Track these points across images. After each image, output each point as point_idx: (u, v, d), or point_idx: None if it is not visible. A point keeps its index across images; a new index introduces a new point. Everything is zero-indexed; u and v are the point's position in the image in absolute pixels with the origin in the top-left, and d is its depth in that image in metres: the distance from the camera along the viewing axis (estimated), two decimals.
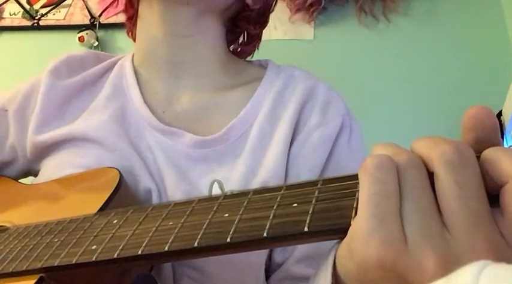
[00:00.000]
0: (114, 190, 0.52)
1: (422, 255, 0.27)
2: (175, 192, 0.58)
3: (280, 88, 0.66)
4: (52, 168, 0.63)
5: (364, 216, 0.29)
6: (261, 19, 0.74)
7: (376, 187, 0.30)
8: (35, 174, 0.69)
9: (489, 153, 0.29)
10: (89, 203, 0.51)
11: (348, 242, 0.31)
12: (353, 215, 0.31)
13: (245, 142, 0.62)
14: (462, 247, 0.27)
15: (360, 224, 0.29)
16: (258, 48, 0.78)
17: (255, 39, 0.76)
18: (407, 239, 0.28)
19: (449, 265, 0.26)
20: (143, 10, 0.68)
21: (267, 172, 0.59)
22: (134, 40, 0.75)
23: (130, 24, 0.75)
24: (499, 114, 1.43)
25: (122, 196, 0.52)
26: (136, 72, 0.69)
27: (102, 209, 0.49)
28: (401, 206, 0.29)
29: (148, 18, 0.67)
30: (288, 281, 0.59)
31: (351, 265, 0.31)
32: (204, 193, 0.58)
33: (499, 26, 1.68)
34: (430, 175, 0.30)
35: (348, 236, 0.31)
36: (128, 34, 0.77)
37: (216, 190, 0.58)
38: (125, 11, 0.74)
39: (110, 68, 0.72)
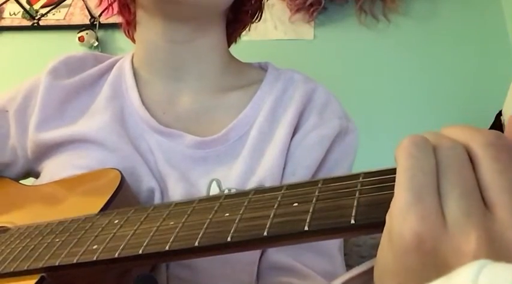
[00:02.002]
0: (115, 191, 0.52)
1: (463, 233, 0.26)
2: (175, 192, 0.58)
3: (280, 92, 0.67)
4: (54, 169, 0.63)
5: (400, 192, 0.29)
6: (258, 9, 0.75)
7: (411, 161, 0.29)
8: (35, 175, 0.69)
9: None
10: (90, 204, 0.51)
11: (387, 226, 0.29)
12: (353, 215, 0.32)
13: (244, 143, 0.63)
14: (503, 224, 0.26)
15: (396, 201, 0.28)
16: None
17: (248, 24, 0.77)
18: (446, 217, 0.27)
19: (492, 243, 0.26)
20: (143, 17, 0.68)
21: (264, 171, 0.60)
22: (132, 40, 0.75)
23: (128, 27, 0.74)
24: (499, 114, 1.43)
25: (123, 196, 0.53)
26: (135, 74, 0.69)
27: (103, 210, 0.49)
28: (439, 184, 0.28)
29: (149, 25, 0.67)
30: (271, 271, 0.60)
31: (389, 254, 0.29)
32: (203, 192, 0.59)
33: (499, 26, 1.68)
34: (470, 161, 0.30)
35: (387, 219, 0.30)
36: (125, 32, 0.76)
37: (214, 189, 0.59)
38: (122, 15, 0.73)
39: (109, 68, 0.72)
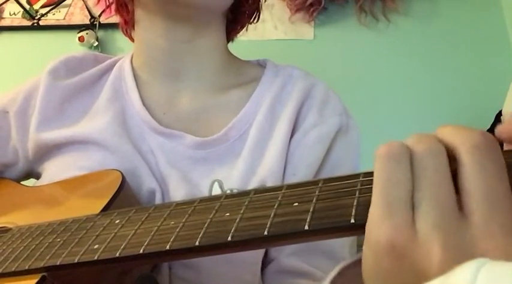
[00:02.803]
0: (116, 192, 0.52)
1: (430, 243, 0.27)
2: (177, 193, 0.58)
3: (279, 88, 0.66)
4: (55, 170, 0.63)
5: (374, 203, 0.30)
6: (256, 10, 0.75)
7: (384, 174, 0.30)
8: (36, 176, 0.69)
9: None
10: (91, 205, 0.51)
11: (366, 233, 0.31)
12: (353, 214, 0.32)
13: (245, 142, 0.63)
14: (478, 231, 0.27)
15: (371, 212, 0.30)
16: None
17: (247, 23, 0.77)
18: (416, 227, 0.28)
19: (463, 252, 0.26)
20: (142, 16, 0.68)
21: (265, 171, 0.60)
22: (130, 39, 0.75)
23: (126, 26, 0.74)
24: (499, 114, 1.44)
25: (124, 197, 0.53)
26: (135, 74, 0.69)
27: (104, 211, 0.50)
28: (413, 195, 0.29)
29: (148, 25, 0.67)
30: (280, 275, 0.60)
31: (370, 259, 0.31)
32: (205, 193, 0.59)
33: (499, 26, 1.68)
34: (454, 162, 0.30)
35: (366, 227, 0.31)
36: (123, 31, 0.76)
37: (216, 190, 0.59)
38: (120, 14, 0.73)
39: (109, 69, 0.72)
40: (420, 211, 0.28)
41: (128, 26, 0.73)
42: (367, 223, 0.31)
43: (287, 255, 0.60)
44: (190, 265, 0.56)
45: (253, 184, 0.59)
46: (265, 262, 0.62)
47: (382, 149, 0.31)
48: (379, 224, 0.29)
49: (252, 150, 0.61)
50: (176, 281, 0.56)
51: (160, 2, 0.63)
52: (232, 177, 0.59)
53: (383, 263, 0.29)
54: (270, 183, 0.59)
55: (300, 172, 0.61)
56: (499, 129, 0.32)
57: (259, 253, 0.61)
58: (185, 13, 0.64)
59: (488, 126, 1.46)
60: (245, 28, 0.76)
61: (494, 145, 0.29)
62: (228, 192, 0.58)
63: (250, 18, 0.75)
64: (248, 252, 0.57)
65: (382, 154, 0.31)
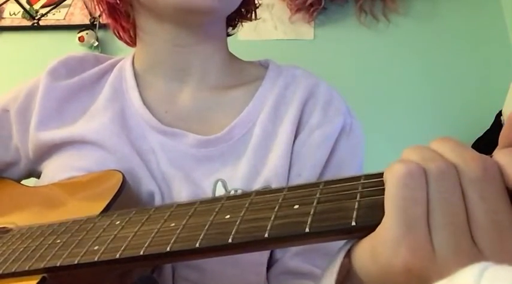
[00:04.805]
0: (116, 193, 0.52)
1: (449, 267, 0.28)
2: (180, 192, 0.58)
3: (282, 88, 0.67)
4: (54, 170, 0.63)
5: (392, 221, 0.30)
6: (253, 8, 0.75)
7: (405, 192, 0.30)
8: (37, 176, 0.69)
9: (499, 158, 0.30)
10: (92, 206, 0.51)
11: (373, 244, 0.31)
12: (354, 217, 0.32)
13: (248, 141, 0.62)
14: (488, 260, 0.27)
15: (388, 229, 0.30)
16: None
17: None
18: (436, 251, 0.29)
19: None
20: (147, 23, 0.67)
21: (270, 171, 0.59)
22: (126, 43, 0.75)
23: (123, 32, 0.73)
24: (499, 114, 1.43)
25: (125, 198, 0.53)
26: (136, 75, 0.69)
27: (104, 212, 0.50)
28: (429, 215, 0.29)
29: (155, 31, 0.66)
30: (285, 276, 0.60)
31: (373, 267, 0.31)
32: (208, 192, 0.58)
33: (499, 26, 1.68)
34: None
35: (373, 238, 0.31)
36: (117, 35, 0.75)
37: (220, 189, 0.59)
38: (115, 21, 0.72)
39: (109, 69, 0.71)
40: (440, 234, 0.29)
41: (124, 31, 0.73)
42: (375, 239, 0.31)
43: (291, 256, 0.60)
44: (194, 266, 0.56)
45: (257, 185, 0.59)
46: (270, 263, 0.62)
47: (398, 167, 0.30)
48: (396, 244, 0.29)
49: (256, 150, 0.61)
50: (180, 282, 0.56)
51: (171, 10, 0.62)
52: (236, 177, 0.59)
53: (393, 279, 0.30)
54: (274, 184, 0.59)
55: (305, 173, 0.61)
56: (504, 134, 0.32)
57: (265, 254, 0.61)
58: (196, 19, 0.64)
59: (488, 126, 1.46)
60: (240, 25, 0.76)
61: (496, 176, 0.29)
62: (232, 192, 0.58)
63: (247, 16, 0.75)
64: (254, 253, 0.57)
65: (401, 172, 0.30)
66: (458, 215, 0.29)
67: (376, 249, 0.30)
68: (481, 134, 1.47)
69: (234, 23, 0.75)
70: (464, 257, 0.28)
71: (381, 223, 0.30)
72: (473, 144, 1.46)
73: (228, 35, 0.75)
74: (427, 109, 1.61)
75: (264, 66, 0.72)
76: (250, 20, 0.76)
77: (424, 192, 0.30)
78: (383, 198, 0.31)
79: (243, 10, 0.73)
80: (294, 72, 0.69)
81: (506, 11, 1.68)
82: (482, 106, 1.53)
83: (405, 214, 0.29)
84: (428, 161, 0.31)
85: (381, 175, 0.34)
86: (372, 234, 0.31)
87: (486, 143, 1.41)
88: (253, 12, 0.75)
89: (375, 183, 0.33)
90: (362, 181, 0.34)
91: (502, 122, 1.40)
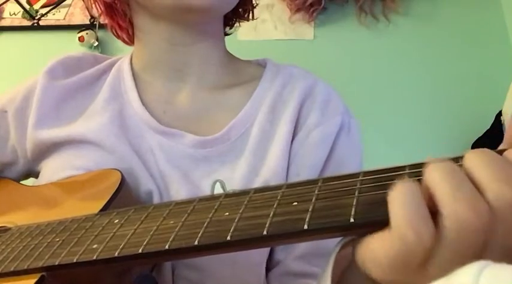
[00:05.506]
0: (115, 192, 0.52)
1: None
2: (178, 193, 0.58)
3: (280, 87, 0.66)
4: (52, 170, 0.63)
5: (391, 250, 0.29)
6: (251, 9, 0.75)
7: (407, 244, 0.29)
8: (36, 175, 0.69)
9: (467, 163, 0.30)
10: (91, 205, 0.51)
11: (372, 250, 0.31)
12: (352, 214, 0.32)
13: (246, 141, 0.62)
14: None
15: (387, 253, 0.29)
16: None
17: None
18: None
19: None
20: (145, 22, 0.67)
21: (268, 171, 0.59)
22: (124, 42, 0.75)
23: (120, 31, 0.73)
24: (499, 114, 1.43)
25: (124, 197, 0.53)
26: (134, 75, 0.69)
27: (103, 210, 0.49)
28: (437, 250, 0.29)
29: (153, 30, 0.66)
30: (287, 277, 0.60)
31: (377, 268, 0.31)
32: (207, 193, 0.58)
33: (499, 26, 1.68)
34: None
35: (374, 245, 0.31)
36: (114, 34, 0.75)
37: (218, 190, 0.59)
38: (112, 20, 0.72)
39: (108, 69, 0.71)
40: (438, 264, 0.29)
41: (122, 30, 0.73)
42: (374, 248, 0.31)
43: (294, 259, 0.60)
44: (194, 266, 0.56)
45: (256, 185, 0.58)
46: (270, 264, 0.62)
47: (406, 210, 0.29)
48: (389, 271, 0.30)
49: (254, 150, 0.61)
50: (180, 282, 0.56)
51: (167, 9, 0.62)
52: (234, 177, 0.59)
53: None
54: (273, 184, 0.58)
55: (304, 173, 0.61)
56: (510, 133, 0.32)
57: (264, 254, 0.60)
58: (193, 18, 0.64)
59: (488, 126, 1.46)
60: (238, 25, 0.76)
61: None
62: (231, 192, 0.58)
63: (245, 16, 0.75)
64: (252, 253, 0.57)
65: (408, 215, 0.29)
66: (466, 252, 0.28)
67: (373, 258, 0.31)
68: (481, 134, 1.47)
69: (232, 23, 0.75)
70: None
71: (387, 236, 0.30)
72: (473, 144, 1.46)
73: (226, 34, 0.75)
74: (427, 109, 1.61)
75: (261, 65, 0.72)
76: (248, 20, 0.76)
77: (431, 235, 0.29)
78: (381, 194, 0.31)
79: (240, 10, 0.73)
80: (291, 71, 0.69)
81: (506, 11, 1.68)
82: (482, 106, 1.53)
83: (404, 254, 0.29)
84: (454, 196, 0.29)
85: (379, 171, 0.34)
86: (375, 242, 0.31)
87: (486, 143, 1.41)
88: (251, 12, 0.75)
89: (374, 179, 0.33)
90: (360, 178, 0.34)
91: (502, 122, 1.40)
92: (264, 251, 0.60)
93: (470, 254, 0.28)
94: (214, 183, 0.59)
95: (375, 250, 0.30)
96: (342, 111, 0.66)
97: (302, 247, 0.60)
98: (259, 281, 0.60)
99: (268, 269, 0.62)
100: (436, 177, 0.29)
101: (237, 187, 0.58)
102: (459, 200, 0.28)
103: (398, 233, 0.29)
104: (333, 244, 0.36)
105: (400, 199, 0.29)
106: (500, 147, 0.33)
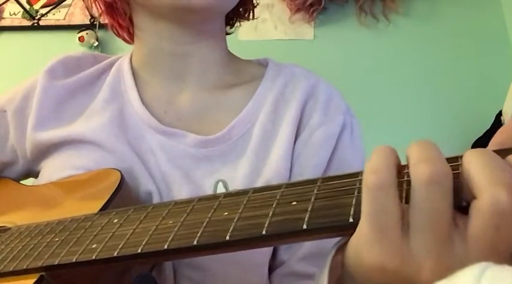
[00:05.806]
0: (114, 191, 0.52)
1: (421, 264, 0.29)
2: (180, 192, 0.58)
3: (281, 87, 0.66)
4: (51, 169, 0.63)
5: (363, 227, 0.31)
6: (252, 8, 0.75)
7: (373, 205, 0.30)
8: (35, 175, 0.69)
9: (466, 161, 0.30)
10: (90, 204, 0.51)
11: (355, 244, 0.32)
12: (352, 213, 0.32)
13: (248, 141, 0.62)
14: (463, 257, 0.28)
15: (361, 233, 0.31)
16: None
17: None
18: (409, 247, 0.30)
19: (448, 272, 0.27)
20: (144, 21, 0.67)
21: (271, 171, 0.59)
22: (125, 41, 0.75)
23: (121, 30, 0.73)
24: (499, 114, 1.43)
25: (123, 197, 0.53)
26: (134, 74, 0.69)
27: (102, 210, 0.49)
28: (408, 218, 0.30)
29: (152, 29, 0.66)
30: (290, 278, 0.60)
31: (359, 263, 0.32)
32: (209, 193, 0.58)
33: (499, 26, 1.68)
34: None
35: (355, 238, 0.32)
36: (115, 33, 0.75)
37: (221, 190, 0.58)
38: (112, 19, 0.72)
39: (107, 69, 0.71)
40: (414, 236, 0.30)
41: (122, 29, 0.73)
42: (355, 239, 0.32)
43: (298, 260, 0.60)
44: (196, 266, 0.56)
45: (258, 185, 0.58)
46: (274, 264, 0.62)
47: (370, 179, 0.31)
48: (369, 247, 0.31)
49: (256, 150, 0.61)
50: (182, 282, 0.56)
51: (167, 8, 0.62)
52: (236, 177, 0.59)
53: (374, 277, 0.31)
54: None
55: (308, 173, 0.61)
56: (497, 139, 0.32)
57: (267, 254, 0.60)
58: (192, 18, 0.64)
59: (488, 126, 1.46)
60: (239, 24, 0.76)
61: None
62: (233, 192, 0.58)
63: (245, 16, 0.75)
64: (255, 253, 0.57)
65: (370, 185, 0.30)
66: (434, 221, 0.29)
67: (357, 248, 0.32)
68: (481, 134, 1.47)
69: (233, 22, 0.75)
70: (438, 252, 0.29)
71: (359, 224, 0.31)
72: (473, 144, 1.46)
73: (227, 33, 0.74)
74: (427, 109, 1.61)
75: (263, 64, 0.72)
76: (248, 20, 0.76)
77: (396, 201, 0.30)
78: None
79: (241, 9, 0.73)
80: (293, 71, 0.69)
81: (506, 11, 1.68)
82: (482, 106, 1.53)
83: (376, 222, 0.30)
84: (417, 163, 0.31)
85: None
86: (355, 234, 0.32)
87: (486, 143, 1.41)
88: (252, 11, 0.75)
89: None
90: (360, 177, 0.34)
91: (502, 122, 1.40)
92: (266, 252, 0.60)
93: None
94: (217, 182, 0.59)
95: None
96: (344, 111, 0.66)
97: (306, 248, 0.60)
98: (262, 281, 0.60)
99: (271, 269, 0.62)
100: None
101: (239, 187, 0.58)
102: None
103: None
104: None
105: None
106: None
